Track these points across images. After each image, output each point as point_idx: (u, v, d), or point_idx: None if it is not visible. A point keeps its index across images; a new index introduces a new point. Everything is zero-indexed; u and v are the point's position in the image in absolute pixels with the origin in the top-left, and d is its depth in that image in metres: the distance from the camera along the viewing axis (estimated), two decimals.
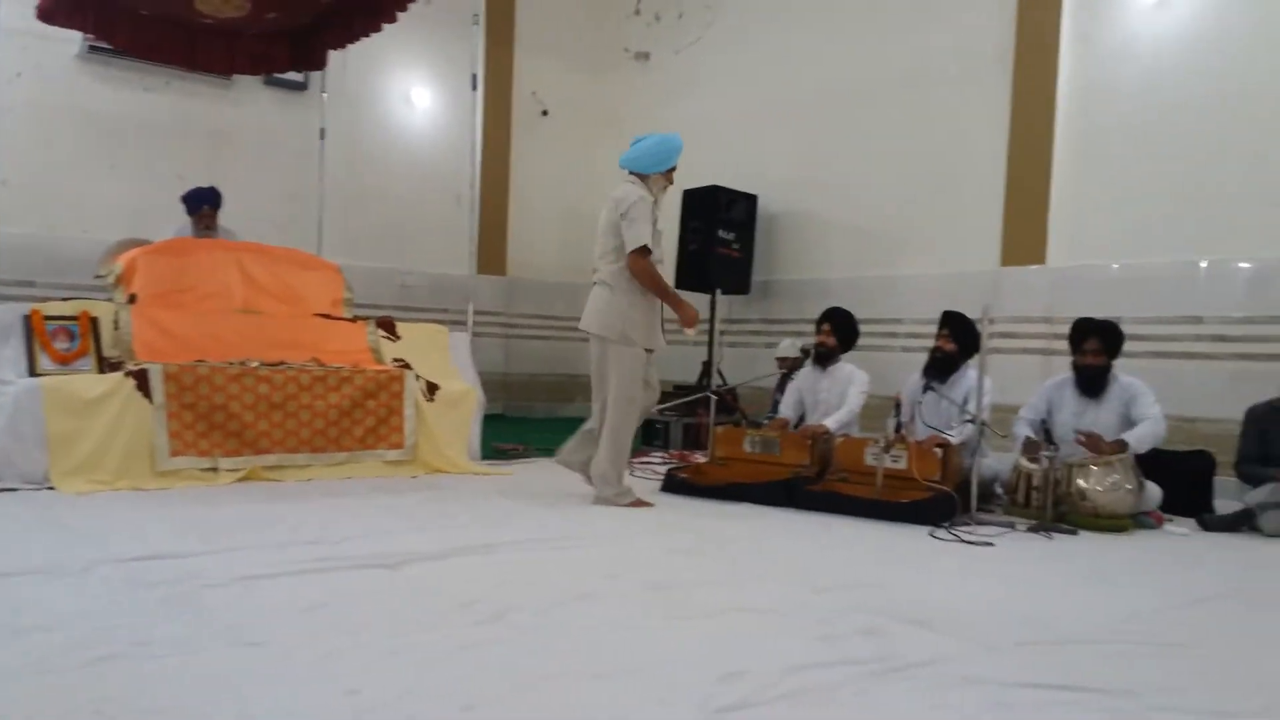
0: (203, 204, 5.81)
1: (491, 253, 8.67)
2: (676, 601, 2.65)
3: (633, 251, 4.10)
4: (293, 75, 7.34)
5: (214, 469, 4.28)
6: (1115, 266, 5.66)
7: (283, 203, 7.25)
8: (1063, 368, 4.81)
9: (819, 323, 5.16)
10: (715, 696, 1.89)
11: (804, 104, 7.48)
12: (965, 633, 2.43)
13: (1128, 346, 4.59)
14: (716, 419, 5.92)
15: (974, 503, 4.01)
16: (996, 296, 5.84)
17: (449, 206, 8.03)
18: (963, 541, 3.63)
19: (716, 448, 4.94)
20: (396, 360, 5.19)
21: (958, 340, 4.69)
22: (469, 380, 5.47)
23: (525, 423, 8.14)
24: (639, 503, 4.18)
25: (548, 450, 6.04)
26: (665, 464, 5.62)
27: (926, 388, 4.69)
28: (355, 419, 4.73)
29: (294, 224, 7.01)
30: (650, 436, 6.86)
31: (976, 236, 6.24)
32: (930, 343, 4.92)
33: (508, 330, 8.99)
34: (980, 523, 3.94)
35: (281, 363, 4.63)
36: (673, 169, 4.38)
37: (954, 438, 4.43)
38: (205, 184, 6.09)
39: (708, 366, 7.29)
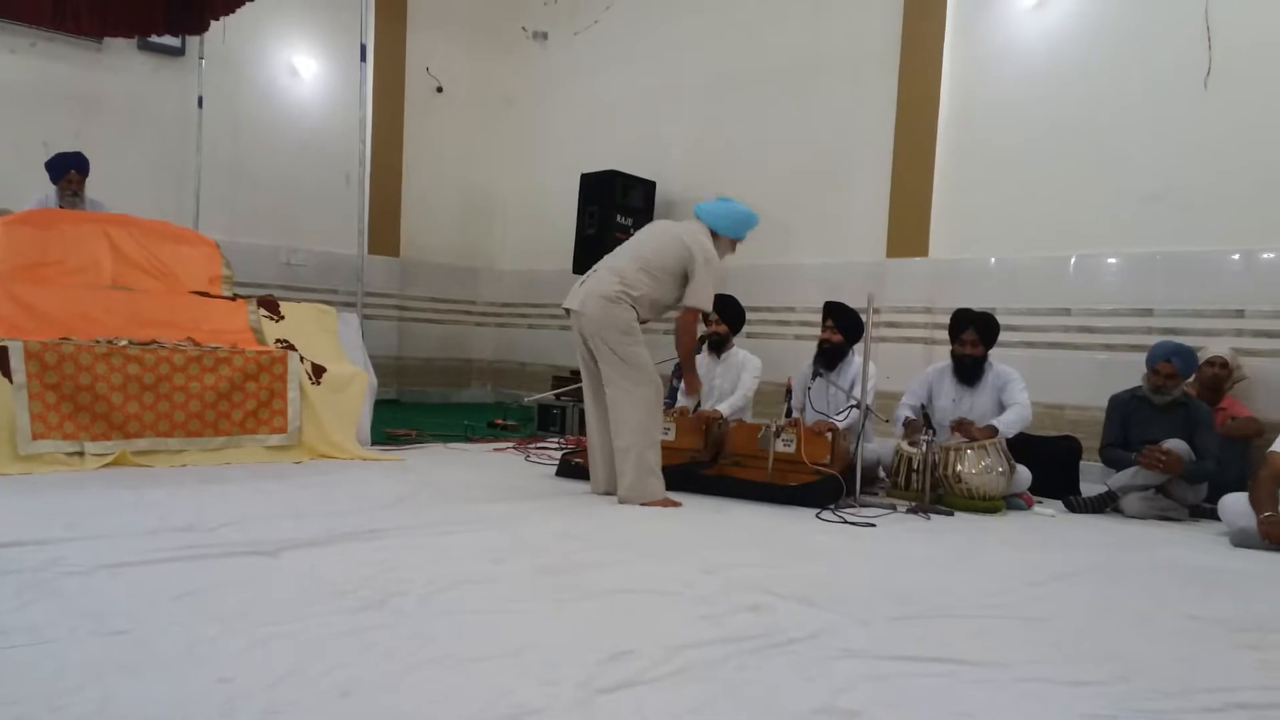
0: (69, 169, 5.46)
1: (384, 232, 8.45)
2: (564, 584, 2.65)
3: (691, 309, 4.05)
4: (169, 39, 6.96)
5: (80, 453, 4.04)
6: (992, 260, 5.93)
7: (156, 174, 6.89)
8: (943, 356, 5.02)
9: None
10: (598, 676, 1.90)
11: (702, 90, 7.55)
12: (844, 608, 2.51)
13: (1003, 336, 4.82)
14: None
15: (858, 486, 4.14)
16: (882, 286, 6.05)
17: (338, 183, 7.79)
18: (847, 523, 3.75)
19: None
20: (280, 341, 5.01)
21: (842, 330, 4.83)
22: (359, 363, 5.32)
23: (420, 408, 7.99)
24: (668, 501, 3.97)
25: (442, 436, 5.97)
26: (560, 449, 5.61)
27: (815, 374, 4.81)
28: (234, 402, 4.54)
29: (169, 197, 6.67)
30: (546, 422, 6.83)
31: (864, 228, 6.43)
32: (820, 331, 5.06)
33: (401, 313, 8.79)
34: (864, 504, 4.08)
35: (154, 342, 4.40)
36: (739, 241, 4.26)
37: (841, 423, 4.56)
38: (70, 150, 5.73)
39: None
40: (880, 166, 6.34)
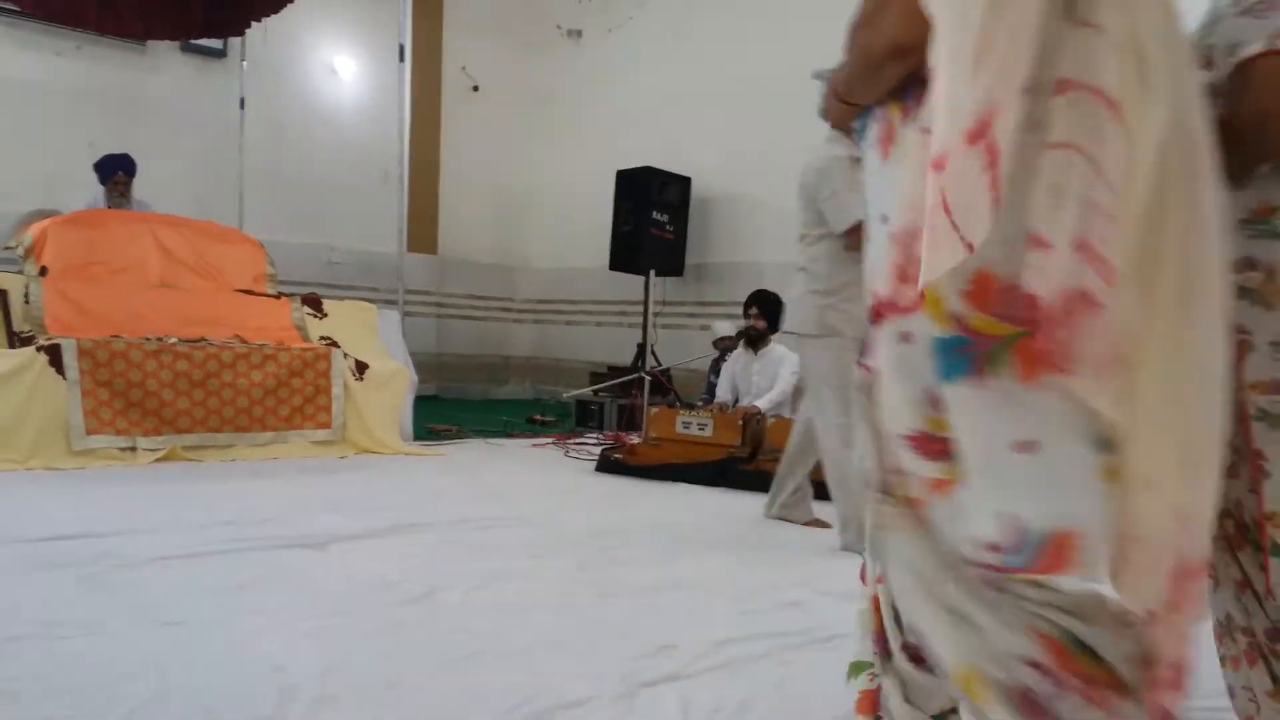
0: (116, 170, 5.57)
1: (422, 231, 8.53)
2: (604, 580, 2.66)
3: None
4: (211, 42, 7.09)
5: (132, 448, 4.14)
6: None
7: (201, 174, 7.02)
8: None
9: (746, 306, 5.22)
10: (640, 670, 1.91)
11: (737, 86, 7.52)
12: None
13: None
14: (650, 400, 5.96)
15: None
16: None
17: (377, 182, 7.87)
18: None
19: (650, 428, 4.96)
20: (323, 338, 5.08)
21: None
22: (399, 360, 5.38)
23: (459, 404, 8.06)
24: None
25: (481, 431, 6.02)
26: (599, 444, 5.64)
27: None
28: (280, 398, 4.62)
29: (213, 196, 6.78)
30: (585, 417, 6.86)
31: None
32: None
33: (440, 310, 8.87)
34: None
35: (202, 339, 4.49)
36: None
37: None
38: (117, 151, 5.85)
39: (642, 348, 7.31)
40: None
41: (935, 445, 1.06)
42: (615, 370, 7.16)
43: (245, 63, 6.88)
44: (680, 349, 7.52)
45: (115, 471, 3.94)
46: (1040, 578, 0.97)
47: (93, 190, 5.75)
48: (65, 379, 4.00)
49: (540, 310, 9.48)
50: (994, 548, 1.00)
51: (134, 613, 2.11)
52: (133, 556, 2.56)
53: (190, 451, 4.29)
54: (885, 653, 1.19)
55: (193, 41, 6.96)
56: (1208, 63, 1.37)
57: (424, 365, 6.29)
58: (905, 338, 1.08)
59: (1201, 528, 1.01)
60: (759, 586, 2.62)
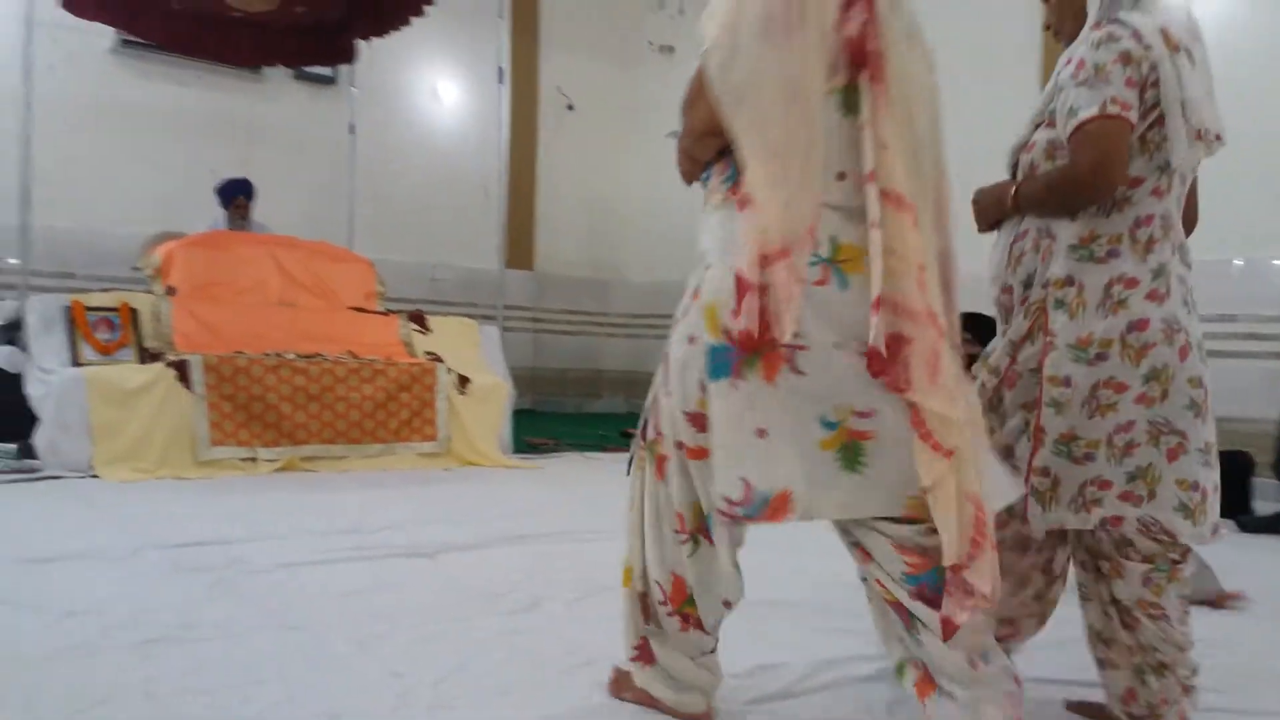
0: (237, 194, 5.89)
1: (519, 247, 8.72)
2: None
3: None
4: (322, 69, 7.41)
5: (253, 459, 4.36)
6: None
7: (314, 197, 7.33)
8: None
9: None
10: (746, 687, 1.91)
11: None
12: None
13: None
14: None
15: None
16: None
17: (477, 200, 8.08)
18: None
19: None
20: (428, 353, 5.25)
21: (980, 340, 4.65)
22: (499, 374, 5.52)
23: (555, 417, 8.19)
24: None
25: (578, 445, 6.10)
26: None
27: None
28: (390, 411, 4.80)
29: (325, 218, 7.08)
30: None
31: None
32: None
33: (536, 325, 9.04)
34: None
35: (317, 355, 4.70)
36: None
37: None
38: (237, 176, 6.18)
39: None
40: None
41: (702, 421, 1.50)
42: None
43: (354, 89, 7.18)
44: None
45: (238, 481, 4.15)
46: (776, 519, 1.45)
47: (214, 213, 6.09)
48: (192, 393, 4.25)
49: (634, 324, 9.55)
50: (734, 503, 1.45)
51: (262, 617, 2.22)
52: (260, 563, 2.70)
53: (306, 462, 4.49)
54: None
55: (305, 69, 7.29)
56: (1051, 124, 1.76)
57: (521, 379, 6.42)
58: (691, 340, 1.52)
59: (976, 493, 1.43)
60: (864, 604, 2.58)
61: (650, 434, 1.67)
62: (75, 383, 4.08)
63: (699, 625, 1.67)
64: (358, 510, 3.59)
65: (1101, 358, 1.68)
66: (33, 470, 3.98)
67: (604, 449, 6.11)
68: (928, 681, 1.49)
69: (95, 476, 3.98)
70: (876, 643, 2.08)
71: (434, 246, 8.16)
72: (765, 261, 1.40)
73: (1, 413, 4.20)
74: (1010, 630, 1.86)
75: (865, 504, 1.48)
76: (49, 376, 4.15)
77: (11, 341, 4.51)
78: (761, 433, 1.42)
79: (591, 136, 9.30)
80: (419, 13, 6.03)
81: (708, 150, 1.60)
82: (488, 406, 5.20)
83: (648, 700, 1.74)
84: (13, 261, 5.90)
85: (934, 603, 1.43)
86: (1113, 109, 1.64)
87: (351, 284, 5.45)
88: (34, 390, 4.16)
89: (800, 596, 2.65)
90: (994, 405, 1.82)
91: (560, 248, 9.17)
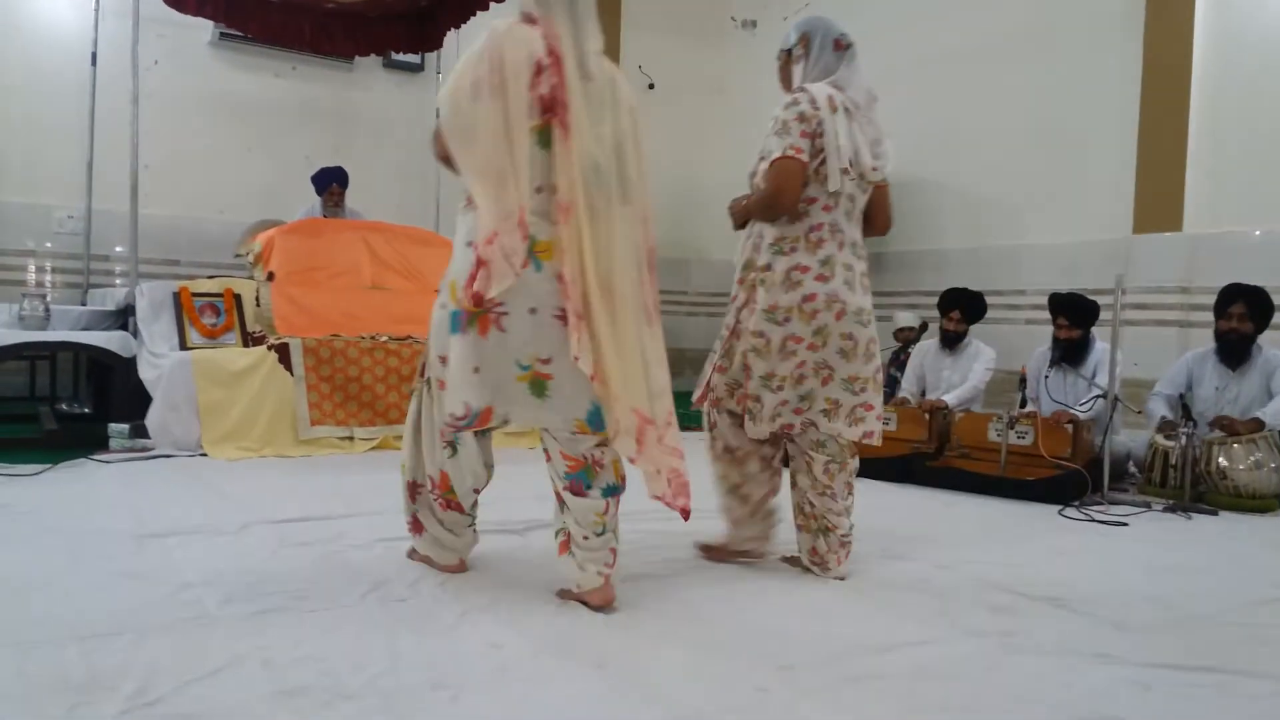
0: (331, 182, 6.06)
1: None
2: (794, 573, 2.67)
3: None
4: (410, 57, 7.54)
5: (350, 438, 4.51)
6: (1258, 233, 5.32)
7: (403, 182, 7.49)
8: (1200, 341, 4.56)
9: (946, 307, 5.00)
10: (835, 666, 1.91)
11: (916, 67, 7.26)
12: (1098, 611, 2.37)
13: (1274, 319, 4.33)
14: None
15: (1106, 481, 3.87)
16: (1129, 265, 5.58)
17: None
18: (1095, 521, 3.52)
19: None
20: None
21: (1078, 323, 4.50)
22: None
23: None
24: None
25: None
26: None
27: (1053, 363, 4.53)
28: None
29: (413, 203, 7.23)
30: None
31: (1106, 202, 5.95)
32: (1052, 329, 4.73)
33: None
34: (1113, 502, 3.81)
35: (409, 337, 4.82)
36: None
37: (1084, 413, 4.27)
38: (331, 164, 6.36)
39: None
40: (1124, 135, 5.84)
41: (444, 360, 2.19)
42: None
43: (440, 75, 7.29)
44: None
45: (336, 459, 4.31)
46: (482, 428, 2.21)
47: (310, 200, 6.28)
48: (292, 375, 4.42)
49: (714, 303, 9.51)
50: (459, 417, 2.13)
51: (367, 589, 2.31)
52: (362, 538, 2.81)
53: (399, 441, 4.59)
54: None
55: (394, 57, 7.43)
56: (762, 159, 2.58)
57: None
58: (442, 306, 2.24)
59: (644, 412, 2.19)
60: (955, 588, 2.55)
61: (427, 372, 2.38)
62: (183, 365, 4.28)
63: (458, 507, 2.41)
64: None
65: (786, 320, 2.54)
66: (145, 449, 4.20)
67: (687, 428, 6.12)
68: (565, 545, 2.28)
69: (203, 455, 4.18)
70: (969, 626, 2.05)
71: None
72: (482, 247, 2.08)
73: (116, 394, 4.44)
74: (767, 491, 2.76)
75: (545, 420, 2.22)
76: (159, 360, 4.37)
77: (123, 326, 4.76)
78: (476, 370, 2.12)
79: (673, 114, 9.25)
80: None
81: (453, 170, 2.22)
82: None
83: (425, 560, 2.49)
84: (120, 250, 6.24)
85: (578, 493, 2.25)
86: (790, 152, 2.48)
87: (439, 267, 5.51)
88: (145, 373, 4.38)
89: (886, 578, 2.62)
90: (728, 352, 2.69)
91: None
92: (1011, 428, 4.13)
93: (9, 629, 1.93)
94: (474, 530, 2.50)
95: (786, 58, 2.75)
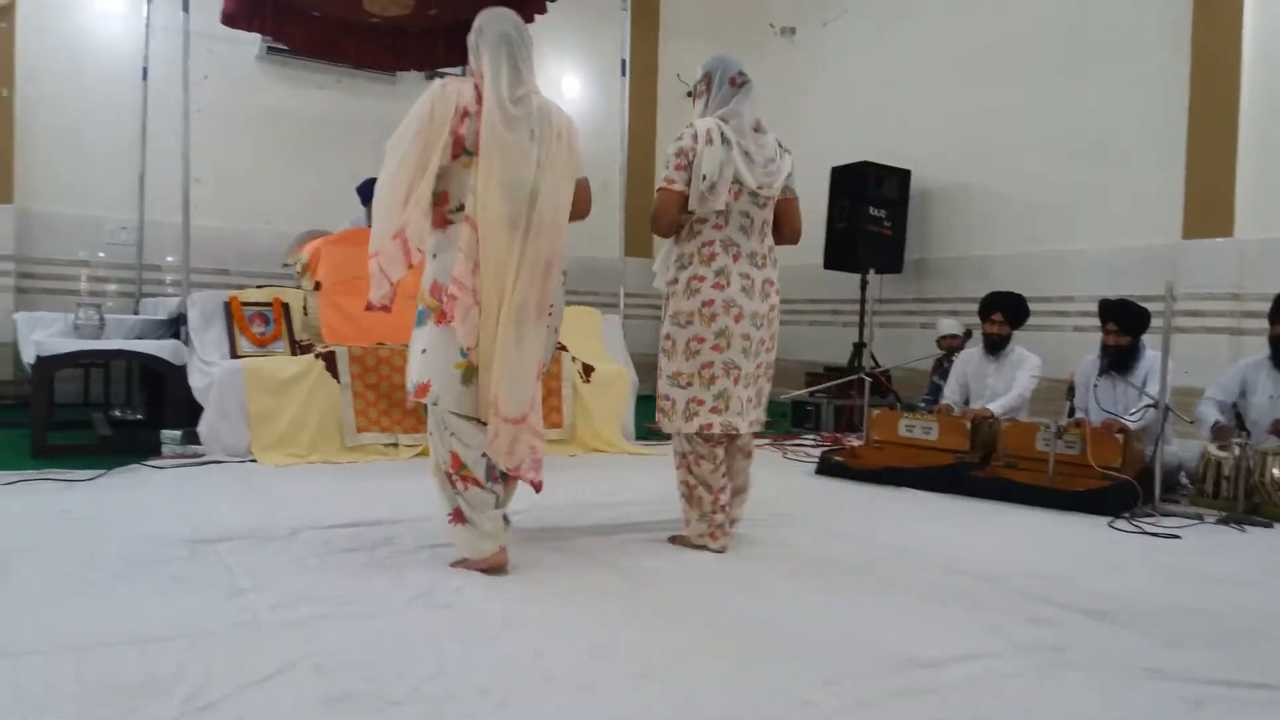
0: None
1: (639, 236, 8.76)
2: (837, 584, 2.65)
3: None
4: (452, 69, 7.64)
5: (395, 444, 4.57)
6: None
7: None
8: (1252, 348, 4.45)
9: (986, 311, 4.94)
10: (881, 680, 1.90)
11: (959, 72, 7.19)
12: (1149, 626, 2.33)
13: None
14: (869, 401, 5.82)
15: (1157, 492, 3.79)
16: (1178, 271, 5.47)
17: (597, 192, 8.14)
18: (1146, 533, 3.45)
19: (872, 431, 4.86)
20: (558, 345, 5.35)
21: (1128, 330, 4.41)
22: (621, 362, 5.59)
23: None
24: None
25: None
26: (817, 446, 5.59)
27: (1102, 370, 4.46)
28: None
29: None
30: (800, 419, 6.82)
31: (1154, 206, 5.84)
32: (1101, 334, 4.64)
33: (657, 313, 9.09)
34: (1165, 513, 3.73)
35: None
36: None
37: (1134, 422, 4.19)
38: (375, 176, 6.43)
39: (859, 348, 7.16)
40: (1173, 139, 5.73)
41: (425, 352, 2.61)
42: (832, 371, 7.05)
43: None
44: (898, 348, 7.29)
45: (381, 465, 4.37)
46: (420, 399, 2.60)
47: (356, 211, 6.38)
48: (339, 383, 4.49)
49: None
50: (410, 392, 2.62)
51: (413, 595, 2.35)
52: (408, 544, 2.85)
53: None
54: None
55: (437, 71, 7.53)
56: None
57: (641, 366, 6.48)
58: (418, 303, 2.66)
59: (509, 404, 2.55)
60: (1002, 600, 2.52)
61: None
62: (234, 373, 4.37)
63: (477, 483, 2.59)
64: None
65: (690, 323, 2.89)
66: (197, 455, 4.30)
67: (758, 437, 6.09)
68: (458, 517, 2.61)
69: (253, 461, 4.26)
70: (1016, 639, 2.03)
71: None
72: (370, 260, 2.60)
73: (168, 402, 4.54)
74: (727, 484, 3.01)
75: (470, 407, 2.59)
76: (210, 368, 4.46)
77: (175, 335, 4.87)
78: (424, 352, 2.61)
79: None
80: (542, 9, 6.13)
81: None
82: (611, 394, 5.28)
83: (464, 563, 2.61)
84: (171, 260, 6.39)
85: (490, 474, 2.61)
86: (663, 183, 2.91)
87: None
88: (196, 381, 4.47)
89: (930, 590, 2.60)
90: (666, 354, 2.98)
91: None
92: (1060, 437, 4.06)
93: (67, 632, 1.99)
94: (505, 518, 2.63)
95: (695, 88, 3.09)
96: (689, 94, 9.06)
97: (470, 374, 2.56)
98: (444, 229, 2.59)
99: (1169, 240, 5.74)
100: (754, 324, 2.90)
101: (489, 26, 2.64)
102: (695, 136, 2.87)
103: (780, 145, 3.05)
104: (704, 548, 2.92)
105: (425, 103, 2.53)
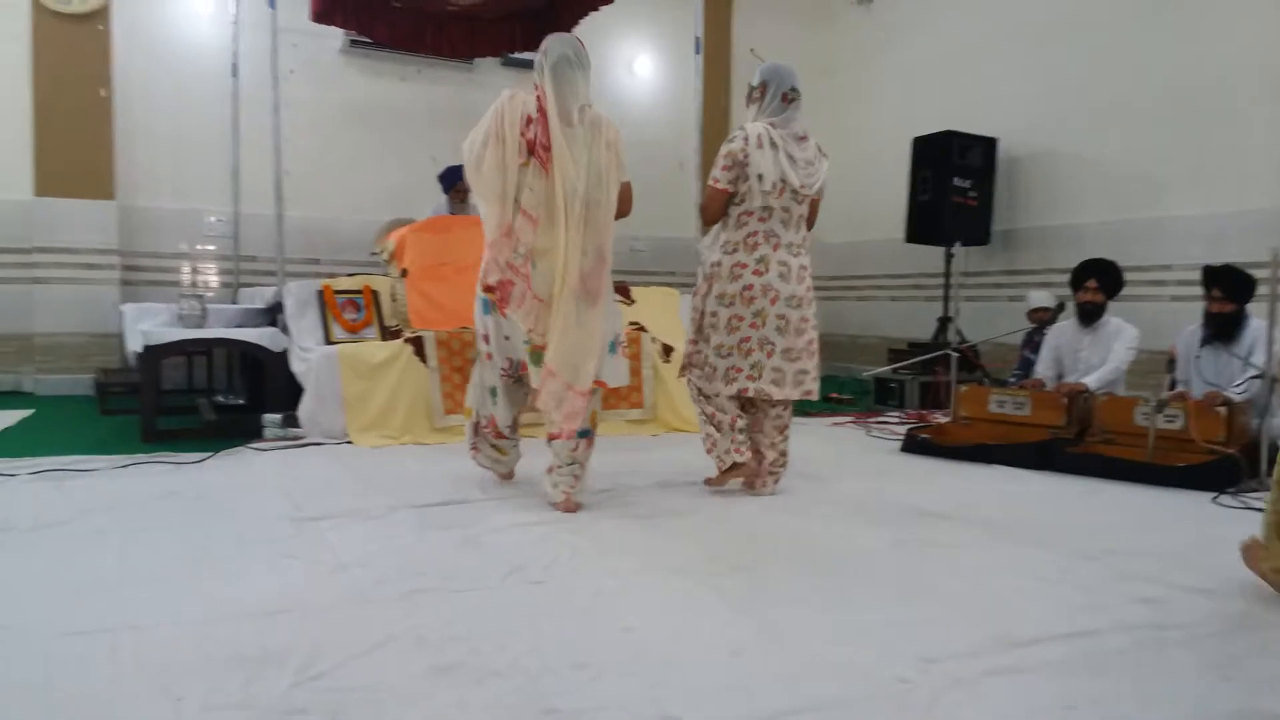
0: (457, 180, 6.27)
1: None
2: (929, 561, 2.63)
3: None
4: (527, 54, 7.71)
5: None
6: None
7: None
8: None
9: (1079, 278, 4.78)
10: (978, 658, 1.88)
11: (1047, 34, 6.93)
12: (1259, 604, 2.25)
13: None
14: (957, 377, 5.71)
15: (1263, 467, 3.63)
16: None
17: (672, 172, 8.17)
18: (1251, 509, 3.31)
19: (960, 407, 4.77)
20: (633, 323, 5.40)
21: (1234, 297, 4.21)
22: None
23: None
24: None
25: None
26: (902, 423, 5.51)
27: (1205, 341, 4.27)
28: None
29: None
30: (884, 396, 6.72)
31: (1258, 169, 5.55)
32: (1205, 301, 4.45)
33: None
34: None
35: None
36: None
37: (1238, 395, 4.01)
38: (456, 163, 6.56)
39: (944, 323, 7.01)
40: (1276, 96, 5.43)
41: (485, 338, 3.19)
42: (916, 347, 6.92)
43: None
44: (984, 322, 7.11)
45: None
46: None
47: (438, 199, 6.51)
48: (427, 366, 4.61)
49: (831, 286, 9.37)
50: (505, 370, 3.20)
51: (505, 572, 2.41)
52: (498, 522, 2.92)
53: (525, 429, 4.74)
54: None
55: (512, 55, 7.61)
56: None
57: None
58: (479, 297, 3.12)
59: (566, 371, 3.01)
60: (1103, 578, 2.46)
61: (477, 346, 3.27)
62: (329, 359, 4.53)
63: (503, 436, 3.34)
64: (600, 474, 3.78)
65: (731, 304, 3.33)
66: (296, 437, 4.47)
67: (806, 414, 6.07)
68: (550, 470, 3.16)
69: (349, 442, 4.41)
70: (1119, 616, 1.98)
71: (633, 218, 8.28)
72: (490, 251, 3.05)
73: (268, 387, 4.73)
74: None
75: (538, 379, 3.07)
76: (307, 354, 4.63)
77: (272, 323, 5.07)
78: (506, 339, 3.11)
79: None
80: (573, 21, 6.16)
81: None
82: None
83: (486, 466, 3.47)
84: (265, 251, 6.62)
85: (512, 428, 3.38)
86: (711, 182, 3.35)
87: None
88: (296, 366, 4.65)
89: (1028, 568, 2.55)
90: (699, 328, 3.44)
91: None
92: (1160, 411, 3.92)
93: (188, 607, 2.11)
94: (518, 449, 3.47)
95: (751, 92, 3.44)
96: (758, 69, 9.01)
97: (538, 355, 3.02)
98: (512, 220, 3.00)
99: (1274, 204, 5.45)
100: (790, 305, 3.34)
101: (552, 49, 3.03)
102: (746, 140, 3.27)
103: (819, 149, 3.43)
104: (735, 464, 3.36)
105: (497, 111, 2.96)
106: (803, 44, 9.13)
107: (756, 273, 3.31)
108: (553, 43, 3.05)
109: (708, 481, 3.52)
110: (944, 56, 7.87)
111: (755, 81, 3.41)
